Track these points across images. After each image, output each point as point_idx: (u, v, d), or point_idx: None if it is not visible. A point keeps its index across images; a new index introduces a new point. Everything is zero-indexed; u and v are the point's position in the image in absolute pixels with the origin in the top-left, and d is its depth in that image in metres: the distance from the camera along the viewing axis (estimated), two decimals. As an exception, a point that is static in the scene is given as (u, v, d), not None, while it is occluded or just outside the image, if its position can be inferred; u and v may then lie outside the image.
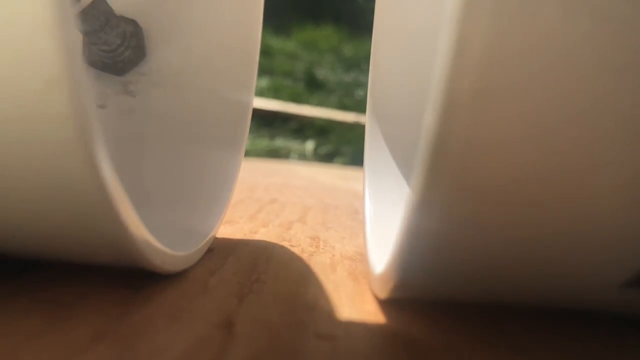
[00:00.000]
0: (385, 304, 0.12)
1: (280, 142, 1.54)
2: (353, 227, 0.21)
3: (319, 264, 0.15)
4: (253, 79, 0.22)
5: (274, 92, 1.85)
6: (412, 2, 0.22)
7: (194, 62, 0.21)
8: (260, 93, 1.74)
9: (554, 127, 0.08)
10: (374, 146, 0.20)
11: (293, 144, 1.55)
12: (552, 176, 0.08)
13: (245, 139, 0.21)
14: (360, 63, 2.57)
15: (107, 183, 0.09)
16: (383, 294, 0.11)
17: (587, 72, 0.08)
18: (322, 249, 0.17)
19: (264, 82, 2.37)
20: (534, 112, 0.08)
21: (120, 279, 0.12)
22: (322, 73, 2.47)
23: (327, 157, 1.63)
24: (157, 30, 0.19)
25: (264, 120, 1.58)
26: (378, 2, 0.23)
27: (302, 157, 1.50)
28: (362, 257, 0.17)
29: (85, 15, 0.17)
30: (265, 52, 2.61)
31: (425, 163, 0.08)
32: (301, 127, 1.69)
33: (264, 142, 1.44)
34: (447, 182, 0.08)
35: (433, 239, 0.09)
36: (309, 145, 1.58)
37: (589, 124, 0.08)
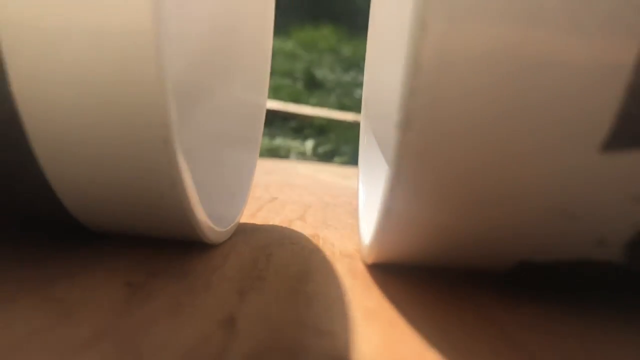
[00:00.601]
0: (386, 299, 0.12)
1: (280, 141, 1.54)
2: (352, 225, 0.22)
3: (318, 261, 0.15)
4: (267, 83, 0.26)
5: (273, 92, 1.85)
6: (401, 3, 0.24)
7: (223, 74, 0.25)
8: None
9: (499, 113, 0.10)
10: (367, 142, 0.23)
11: (293, 143, 1.55)
12: (501, 158, 0.10)
13: (260, 137, 0.25)
14: (359, 63, 2.57)
15: (183, 181, 0.12)
16: (370, 260, 0.14)
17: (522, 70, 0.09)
18: (322, 246, 0.17)
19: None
20: (480, 102, 0.10)
21: (122, 276, 0.12)
22: (321, 73, 2.47)
23: (326, 156, 1.63)
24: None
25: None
26: (372, 3, 0.26)
27: (302, 156, 1.50)
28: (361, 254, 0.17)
29: None
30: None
31: (395, 147, 0.10)
32: (301, 127, 1.69)
33: (264, 142, 1.44)
34: (414, 164, 0.10)
35: (406, 215, 0.11)
36: (309, 144, 1.58)
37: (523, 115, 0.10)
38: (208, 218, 0.14)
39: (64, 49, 0.11)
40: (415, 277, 0.14)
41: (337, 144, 1.57)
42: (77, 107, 0.11)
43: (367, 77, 0.26)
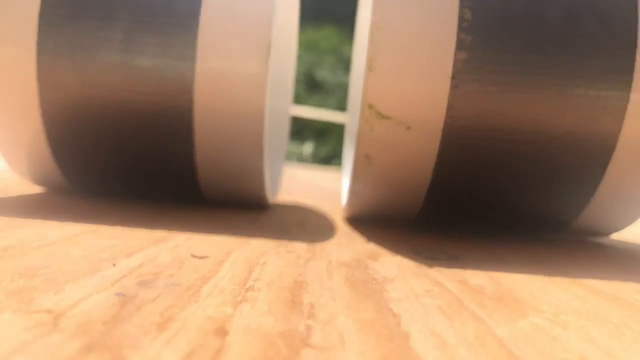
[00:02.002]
0: (382, 312, 0.12)
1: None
2: (350, 233, 0.21)
3: (315, 270, 0.15)
4: (292, 93, 0.36)
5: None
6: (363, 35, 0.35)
7: (276, 90, 0.35)
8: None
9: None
10: (348, 136, 0.33)
11: (292, 147, 1.56)
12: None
13: (287, 136, 0.36)
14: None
15: (265, 167, 0.21)
16: (346, 215, 0.24)
17: None
18: (319, 255, 0.17)
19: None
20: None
21: (111, 286, 0.12)
22: (322, 74, 2.47)
23: (325, 160, 1.63)
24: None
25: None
26: (359, 7, 0.35)
27: (301, 159, 1.50)
28: (359, 263, 0.16)
29: None
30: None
31: (361, 128, 0.19)
32: (300, 129, 1.70)
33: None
34: (370, 153, 0.20)
35: (369, 185, 0.21)
36: (307, 147, 1.58)
37: None
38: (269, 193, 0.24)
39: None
40: (415, 285, 0.14)
41: (336, 147, 1.57)
42: (224, 131, 0.21)
43: (351, 79, 0.36)
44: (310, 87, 2.24)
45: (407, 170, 0.19)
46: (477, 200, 0.20)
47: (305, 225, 0.22)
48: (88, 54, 0.19)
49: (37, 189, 0.28)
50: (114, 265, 0.14)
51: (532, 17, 0.18)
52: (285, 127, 0.36)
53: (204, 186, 0.23)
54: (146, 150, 0.22)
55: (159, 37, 0.19)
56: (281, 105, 0.35)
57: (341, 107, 1.89)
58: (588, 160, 0.19)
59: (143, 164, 0.22)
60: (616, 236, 0.31)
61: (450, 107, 0.18)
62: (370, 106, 0.19)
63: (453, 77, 0.18)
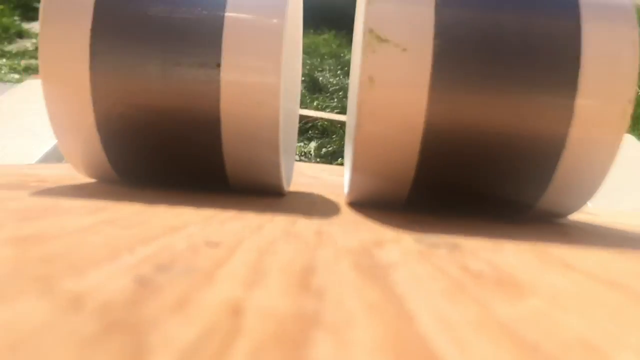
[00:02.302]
0: (387, 294, 0.12)
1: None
2: (356, 222, 0.22)
3: (323, 257, 0.15)
4: (299, 93, 0.41)
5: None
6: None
7: (288, 93, 0.37)
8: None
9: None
10: (348, 133, 0.36)
11: (297, 145, 1.56)
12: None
13: (296, 134, 0.43)
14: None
15: (280, 160, 0.26)
16: (348, 201, 0.29)
17: None
18: (326, 242, 0.17)
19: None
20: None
21: (129, 271, 0.13)
22: (323, 77, 2.47)
23: (329, 157, 1.63)
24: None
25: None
26: (356, 11, 0.36)
27: (306, 157, 1.51)
28: (364, 250, 0.17)
29: None
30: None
31: (357, 128, 0.24)
32: (305, 129, 1.70)
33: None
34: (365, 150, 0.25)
35: (366, 177, 0.26)
36: (312, 145, 1.59)
37: None
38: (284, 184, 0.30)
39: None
40: (419, 269, 0.14)
41: (340, 145, 1.58)
42: (245, 131, 0.25)
43: (350, 82, 0.37)
44: (312, 89, 2.24)
45: (405, 93, 0.23)
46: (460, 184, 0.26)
47: (312, 213, 0.23)
48: (132, 69, 0.25)
49: (53, 185, 0.28)
50: (132, 252, 0.14)
51: (497, 37, 0.24)
52: (295, 126, 0.41)
53: (231, 179, 0.28)
54: (182, 148, 0.27)
55: (190, 53, 0.25)
56: (291, 106, 0.38)
57: (343, 108, 1.89)
58: (543, 155, 0.24)
59: (179, 159, 0.27)
60: (610, 221, 0.31)
61: (436, 34, 0.23)
62: (371, 30, 0.23)
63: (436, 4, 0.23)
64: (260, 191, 0.30)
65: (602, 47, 0.24)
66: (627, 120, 0.24)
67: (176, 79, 0.25)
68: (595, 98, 0.24)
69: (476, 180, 0.26)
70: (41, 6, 0.25)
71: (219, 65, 0.24)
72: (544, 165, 0.25)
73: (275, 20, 0.25)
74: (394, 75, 0.23)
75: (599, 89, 0.24)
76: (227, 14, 0.25)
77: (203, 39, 0.25)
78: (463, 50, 0.23)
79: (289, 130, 0.36)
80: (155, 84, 0.25)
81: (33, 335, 0.09)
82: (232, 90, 0.24)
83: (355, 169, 0.26)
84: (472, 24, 0.24)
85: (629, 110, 0.24)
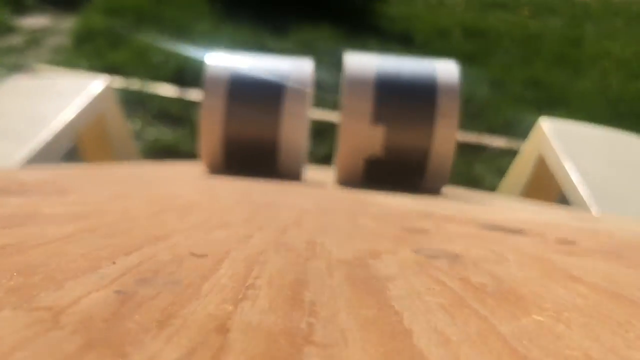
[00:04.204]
0: (384, 310, 0.12)
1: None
2: (350, 231, 0.21)
3: (315, 269, 0.15)
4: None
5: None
6: None
7: None
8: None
9: None
10: None
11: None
12: None
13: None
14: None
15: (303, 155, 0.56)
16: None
17: None
18: (319, 253, 0.17)
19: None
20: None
21: (111, 283, 0.12)
22: (320, 74, 2.48)
23: (323, 159, 1.63)
24: None
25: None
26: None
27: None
28: (359, 261, 0.16)
29: None
30: (263, 52, 2.62)
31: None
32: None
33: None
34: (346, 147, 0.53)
35: (345, 167, 0.52)
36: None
37: None
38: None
39: None
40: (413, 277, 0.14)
41: (335, 147, 1.58)
42: (290, 143, 0.55)
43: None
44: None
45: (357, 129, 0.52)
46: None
47: (304, 221, 0.22)
48: (243, 115, 0.51)
49: (35, 190, 0.28)
50: (114, 263, 0.14)
51: (402, 86, 0.51)
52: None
53: (283, 172, 0.54)
54: (262, 156, 0.53)
55: (269, 103, 0.51)
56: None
57: (339, 106, 1.89)
58: (419, 160, 0.51)
59: (256, 161, 0.54)
60: (615, 227, 0.31)
61: (373, 104, 0.51)
62: (343, 104, 0.54)
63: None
64: (293, 178, 0.54)
65: (446, 101, 0.50)
66: (455, 139, 0.51)
67: (260, 120, 0.53)
68: (444, 129, 0.50)
69: (395, 171, 0.52)
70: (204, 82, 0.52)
71: (281, 113, 0.52)
72: (419, 165, 0.52)
73: (306, 90, 0.53)
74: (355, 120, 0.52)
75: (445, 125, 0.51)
76: (284, 95, 0.52)
77: (270, 97, 0.52)
78: (381, 111, 0.50)
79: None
80: (254, 122, 0.52)
81: (9, 352, 0.08)
82: (288, 123, 0.52)
83: (338, 165, 0.54)
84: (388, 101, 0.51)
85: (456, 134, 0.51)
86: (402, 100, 0.49)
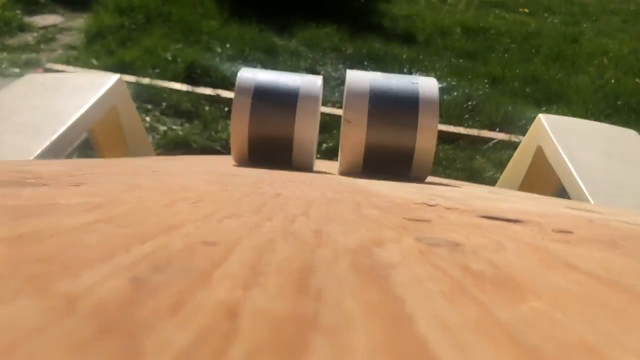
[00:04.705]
0: (387, 296, 0.12)
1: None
2: (355, 221, 0.22)
3: (322, 256, 0.15)
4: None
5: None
6: None
7: None
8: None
9: None
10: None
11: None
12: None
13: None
14: (362, 61, 2.58)
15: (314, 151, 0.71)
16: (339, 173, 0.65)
17: None
18: (325, 242, 0.17)
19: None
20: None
21: (125, 271, 0.12)
22: (325, 71, 2.47)
23: (329, 153, 1.63)
24: None
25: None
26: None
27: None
28: (364, 250, 0.17)
29: None
30: (269, 50, 2.62)
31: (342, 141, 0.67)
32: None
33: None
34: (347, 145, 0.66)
35: (347, 159, 0.66)
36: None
37: None
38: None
39: None
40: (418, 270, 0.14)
41: (339, 140, 1.58)
42: (302, 141, 0.69)
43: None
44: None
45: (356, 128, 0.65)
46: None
47: (312, 212, 0.23)
48: (265, 117, 0.64)
49: (50, 181, 0.28)
50: (128, 251, 0.14)
51: (390, 100, 0.64)
52: None
53: (296, 164, 0.66)
54: (280, 151, 0.66)
55: (286, 111, 0.64)
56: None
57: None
58: (407, 155, 0.64)
59: (279, 156, 0.66)
60: (612, 219, 0.31)
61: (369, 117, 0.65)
62: (345, 119, 0.66)
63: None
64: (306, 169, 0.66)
65: (427, 110, 0.62)
66: (435, 139, 0.62)
67: (278, 121, 0.65)
68: (425, 131, 0.62)
69: (387, 164, 0.64)
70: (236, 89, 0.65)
71: (294, 117, 0.64)
72: (407, 159, 0.64)
73: (314, 104, 0.66)
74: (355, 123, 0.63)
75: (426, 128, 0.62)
76: (298, 102, 0.65)
77: (286, 105, 0.64)
78: (375, 118, 0.63)
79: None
80: (273, 123, 0.64)
81: (26, 338, 0.09)
82: (300, 122, 0.64)
83: (341, 158, 0.65)
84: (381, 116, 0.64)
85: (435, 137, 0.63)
86: (392, 108, 0.63)
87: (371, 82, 0.64)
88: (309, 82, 0.67)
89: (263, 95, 0.64)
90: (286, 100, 0.64)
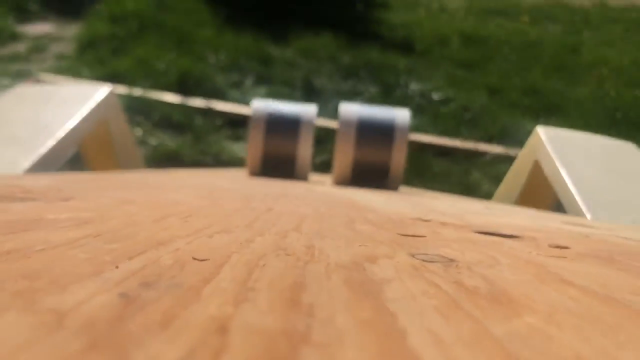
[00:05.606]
0: (380, 311, 0.12)
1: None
2: (348, 236, 0.21)
3: (314, 272, 0.15)
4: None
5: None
6: None
7: None
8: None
9: None
10: None
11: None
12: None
13: None
14: (358, 71, 2.58)
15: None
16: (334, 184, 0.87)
17: None
18: (318, 257, 0.17)
19: (263, 90, 2.38)
20: None
21: (114, 287, 0.12)
22: (320, 81, 2.48)
23: (323, 166, 1.63)
24: None
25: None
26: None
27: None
28: (357, 265, 0.17)
29: None
30: (264, 60, 2.63)
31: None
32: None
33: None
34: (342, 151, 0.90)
35: (341, 168, 0.90)
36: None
37: None
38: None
39: None
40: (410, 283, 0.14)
41: (331, 154, 1.59)
42: (302, 157, 0.95)
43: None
44: (308, 94, 2.23)
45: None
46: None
47: (303, 227, 0.23)
48: (278, 139, 0.91)
49: (39, 196, 0.28)
50: (117, 267, 0.14)
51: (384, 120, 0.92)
52: None
53: (296, 176, 0.87)
54: (284, 165, 0.90)
55: (289, 139, 0.90)
56: None
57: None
58: (384, 169, 0.88)
59: (280, 168, 0.89)
60: (608, 234, 0.31)
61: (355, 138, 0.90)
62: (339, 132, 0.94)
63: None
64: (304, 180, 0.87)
65: (400, 134, 0.88)
66: (405, 158, 0.89)
67: (282, 145, 0.89)
68: (398, 151, 0.88)
69: (371, 176, 0.87)
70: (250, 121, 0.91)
71: (298, 133, 0.90)
72: (385, 171, 0.88)
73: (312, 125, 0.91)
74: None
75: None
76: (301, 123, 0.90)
77: (293, 135, 0.89)
78: (361, 141, 0.87)
79: None
80: (281, 143, 0.89)
81: (14, 353, 0.09)
82: (304, 137, 0.89)
83: (334, 173, 0.89)
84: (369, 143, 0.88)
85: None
86: (373, 134, 0.87)
87: (359, 114, 0.88)
88: (307, 110, 0.92)
89: (273, 122, 0.89)
90: (290, 126, 0.89)
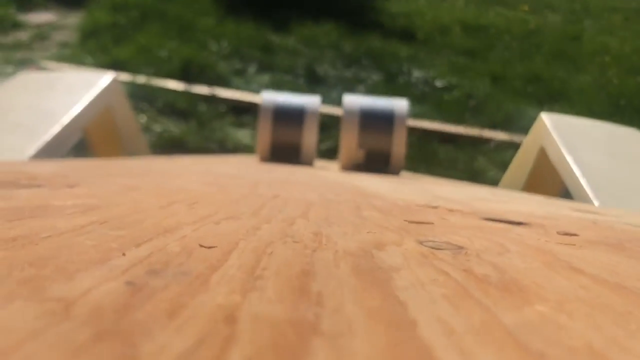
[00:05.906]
0: (389, 300, 0.12)
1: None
2: (355, 223, 0.21)
3: (322, 260, 0.15)
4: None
5: (275, 88, 1.87)
6: None
7: None
8: (262, 89, 1.77)
9: None
10: None
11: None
12: None
13: None
14: (360, 59, 2.57)
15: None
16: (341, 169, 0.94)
17: None
18: (325, 244, 0.17)
19: (266, 78, 2.38)
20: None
21: (121, 275, 0.12)
22: (323, 69, 2.47)
23: (328, 153, 1.63)
24: None
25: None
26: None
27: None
28: (365, 253, 0.17)
29: None
30: (266, 48, 2.62)
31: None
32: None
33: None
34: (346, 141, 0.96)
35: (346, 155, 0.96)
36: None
37: None
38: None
39: None
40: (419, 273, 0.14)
41: (339, 141, 1.58)
42: (308, 145, 1.01)
43: None
44: (311, 81, 2.22)
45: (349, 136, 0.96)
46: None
47: (311, 214, 0.23)
48: (286, 128, 0.98)
49: (44, 183, 0.28)
50: (124, 254, 0.14)
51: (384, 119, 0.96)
52: None
53: (302, 162, 0.91)
54: (291, 152, 0.96)
55: (295, 128, 0.97)
56: None
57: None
58: (385, 155, 0.94)
59: (288, 155, 0.95)
60: (617, 221, 0.31)
61: (359, 133, 0.98)
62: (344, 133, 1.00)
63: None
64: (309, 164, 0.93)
65: (399, 123, 0.94)
66: (405, 145, 0.94)
67: (289, 133, 0.95)
68: (398, 138, 0.93)
69: (376, 161, 0.93)
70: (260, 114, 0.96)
71: (302, 127, 0.95)
72: (387, 157, 0.93)
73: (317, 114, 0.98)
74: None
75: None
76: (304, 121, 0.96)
77: (299, 124, 0.96)
78: (363, 129, 0.93)
79: None
80: (286, 134, 0.95)
81: (21, 342, 0.09)
82: (309, 130, 0.95)
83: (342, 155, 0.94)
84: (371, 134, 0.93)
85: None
86: (374, 122, 0.93)
87: (361, 105, 0.95)
88: (312, 101, 0.99)
89: (280, 112, 0.96)
90: (296, 116, 0.96)
